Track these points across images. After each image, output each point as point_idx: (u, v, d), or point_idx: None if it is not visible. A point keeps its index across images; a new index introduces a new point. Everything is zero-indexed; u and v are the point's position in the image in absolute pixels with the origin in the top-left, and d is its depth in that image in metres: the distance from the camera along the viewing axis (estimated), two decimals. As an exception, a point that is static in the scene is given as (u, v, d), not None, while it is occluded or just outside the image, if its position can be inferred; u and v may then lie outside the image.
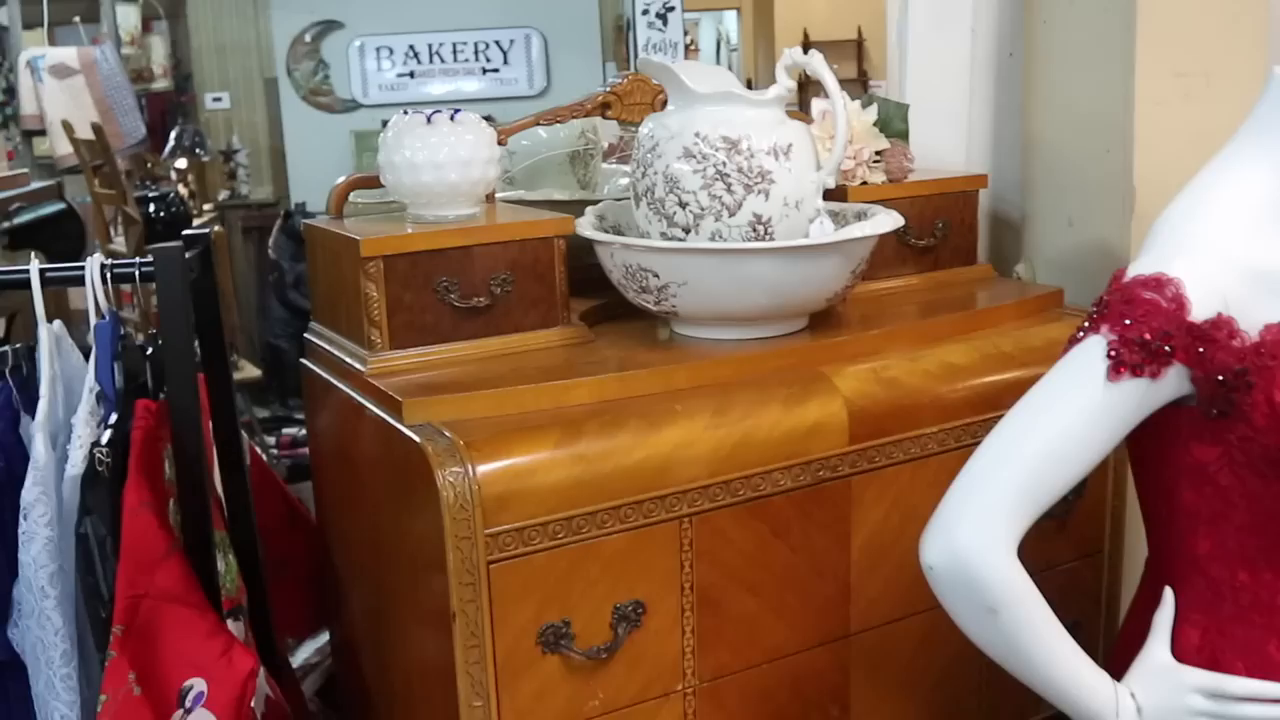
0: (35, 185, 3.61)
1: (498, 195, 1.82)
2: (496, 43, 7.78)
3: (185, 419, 1.47)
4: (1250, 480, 1.15)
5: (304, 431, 4.66)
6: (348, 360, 1.53)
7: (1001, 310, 1.76)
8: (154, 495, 1.36)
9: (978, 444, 1.60)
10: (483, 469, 1.29)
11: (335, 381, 1.57)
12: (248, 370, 4.51)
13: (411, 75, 7.74)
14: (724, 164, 1.51)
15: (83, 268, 1.49)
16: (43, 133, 5.47)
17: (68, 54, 5.60)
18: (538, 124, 1.79)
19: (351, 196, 1.73)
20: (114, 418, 1.42)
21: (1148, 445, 1.23)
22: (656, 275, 1.51)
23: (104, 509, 1.34)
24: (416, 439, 1.32)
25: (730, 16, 11.02)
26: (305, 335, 1.70)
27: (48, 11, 5.79)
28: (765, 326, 1.58)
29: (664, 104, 1.84)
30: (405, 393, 1.39)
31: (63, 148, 5.06)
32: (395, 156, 1.53)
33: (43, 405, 1.41)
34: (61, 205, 3.65)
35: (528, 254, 1.55)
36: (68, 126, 4.41)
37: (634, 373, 1.46)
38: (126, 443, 1.40)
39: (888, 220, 1.59)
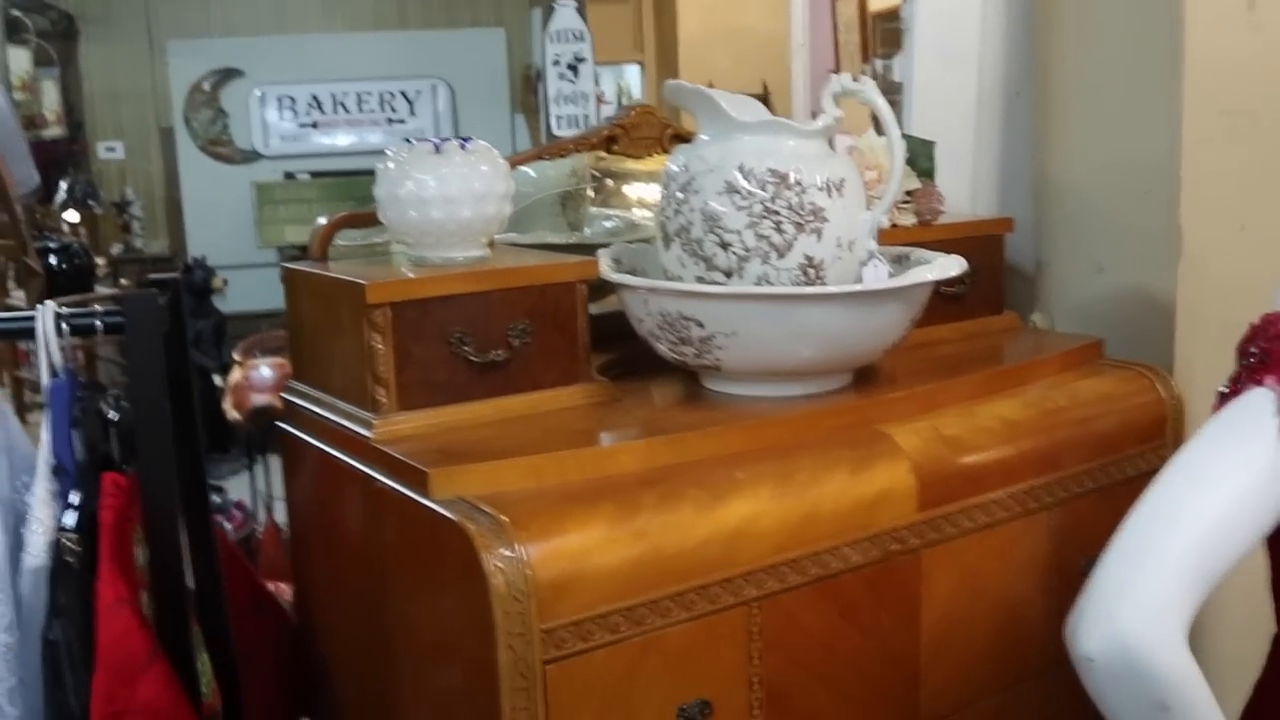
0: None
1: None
2: (402, 93, 7.60)
3: (161, 496, 1.25)
4: None
5: (217, 500, 4.35)
6: (345, 424, 1.33)
7: (1047, 363, 1.63)
8: (129, 589, 1.14)
9: (1043, 510, 1.49)
10: (535, 551, 1.10)
11: (327, 449, 1.36)
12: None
13: (314, 125, 7.52)
14: (772, 200, 1.35)
15: (32, 318, 1.27)
16: (-78, 182, 5.11)
17: (-47, 98, 5.26)
18: (541, 157, 1.62)
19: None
20: (77, 496, 1.20)
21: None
22: (701, 324, 1.34)
23: (73, 608, 1.11)
24: (452, 516, 1.13)
25: (632, 70, 11.00)
26: (283, 395, 1.49)
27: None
28: (813, 382, 1.42)
29: (673, 139, 1.69)
30: (427, 461, 1.20)
31: (-55, 198, 4.72)
32: (400, 189, 1.35)
33: (-13, 484, 1.19)
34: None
35: (548, 301, 1.37)
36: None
37: (685, 435, 1.28)
38: (93, 525, 1.18)
39: (952, 264, 1.45)
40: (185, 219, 7.11)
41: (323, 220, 1.49)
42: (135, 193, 7.07)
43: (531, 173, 1.81)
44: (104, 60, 7.16)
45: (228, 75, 7.31)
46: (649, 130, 1.66)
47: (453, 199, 1.34)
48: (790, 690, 1.26)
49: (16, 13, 5.94)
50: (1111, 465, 1.53)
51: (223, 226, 6.99)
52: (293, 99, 7.44)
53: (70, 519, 1.16)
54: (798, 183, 1.36)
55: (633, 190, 2.05)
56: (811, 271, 1.37)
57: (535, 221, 1.81)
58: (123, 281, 5.09)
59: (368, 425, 1.29)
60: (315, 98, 7.44)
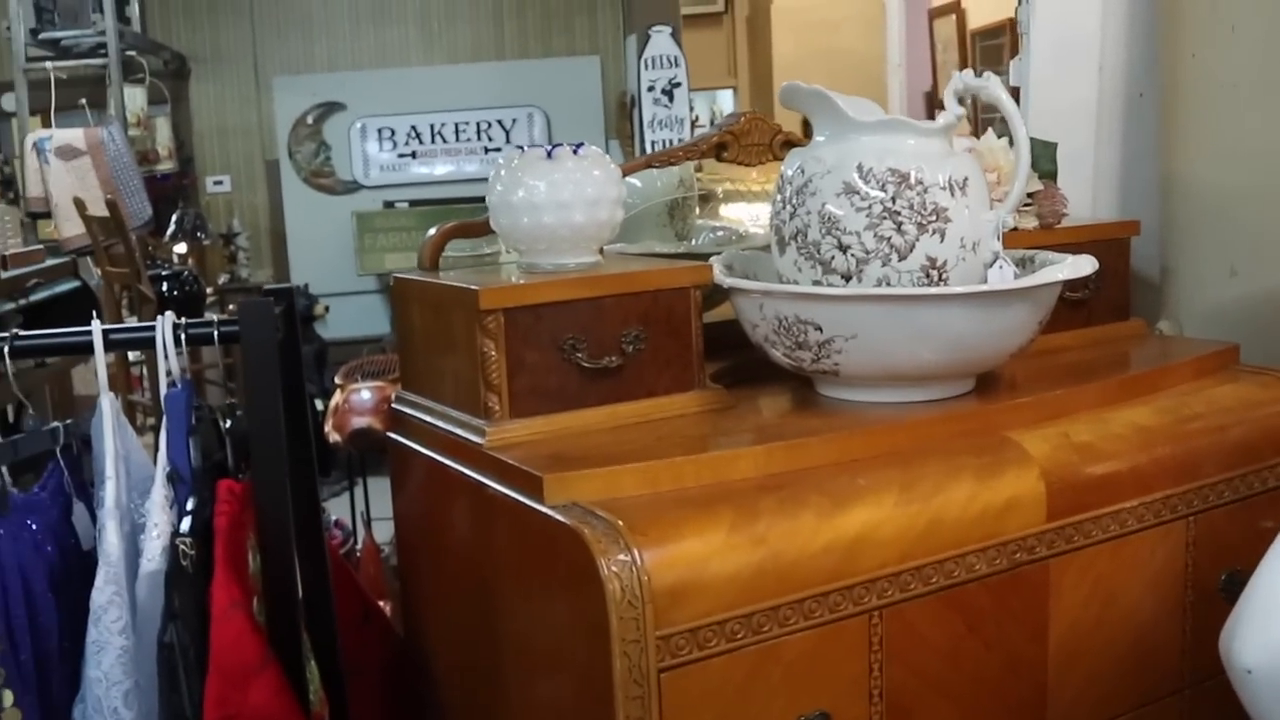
0: (50, 262, 3.41)
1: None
2: (499, 122, 7.67)
3: (274, 503, 1.24)
4: None
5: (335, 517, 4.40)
6: (458, 432, 1.31)
7: (1180, 368, 1.55)
8: (243, 594, 1.14)
9: (1178, 520, 1.42)
10: (651, 556, 1.07)
11: (439, 457, 1.35)
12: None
13: (413, 155, 7.62)
14: (892, 201, 1.31)
15: (152, 328, 1.28)
16: (48, 215, 5.29)
17: (74, 135, 5.43)
18: (650, 166, 1.59)
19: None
20: (192, 502, 1.20)
21: None
22: (819, 328, 1.30)
23: (188, 611, 1.11)
24: (566, 521, 1.10)
25: (726, 95, 11.02)
26: (393, 406, 1.49)
27: (55, 96, 5.62)
28: (935, 386, 1.38)
29: (784, 145, 1.66)
30: (540, 467, 1.17)
31: (69, 229, 4.87)
32: (513, 196, 1.33)
33: (110, 488, 1.19)
34: (76, 283, 3.44)
35: (661, 307, 1.34)
36: (80, 204, 4.22)
37: (805, 441, 1.24)
38: (208, 531, 1.17)
39: (1084, 264, 1.39)
40: (289, 248, 7.25)
41: (433, 231, 1.48)
42: (241, 224, 7.22)
43: (638, 183, 1.79)
44: (213, 97, 7.35)
45: (330, 109, 7.45)
46: (759, 136, 1.63)
47: (565, 204, 1.32)
48: (912, 703, 1.21)
49: (132, 53, 6.12)
50: (1252, 475, 1.45)
51: (324, 255, 7.12)
52: (392, 130, 7.55)
53: (186, 524, 1.16)
54: (919, 182, 1.32)
55: (740, 200, 2.03)
56: (934, 273, 1.33)
57: (642, 231, 1.79)
58: (230, 309, 5.19)
59: (480, 432, 1.27)
60: (414, 128, 7.55)
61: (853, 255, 1.32)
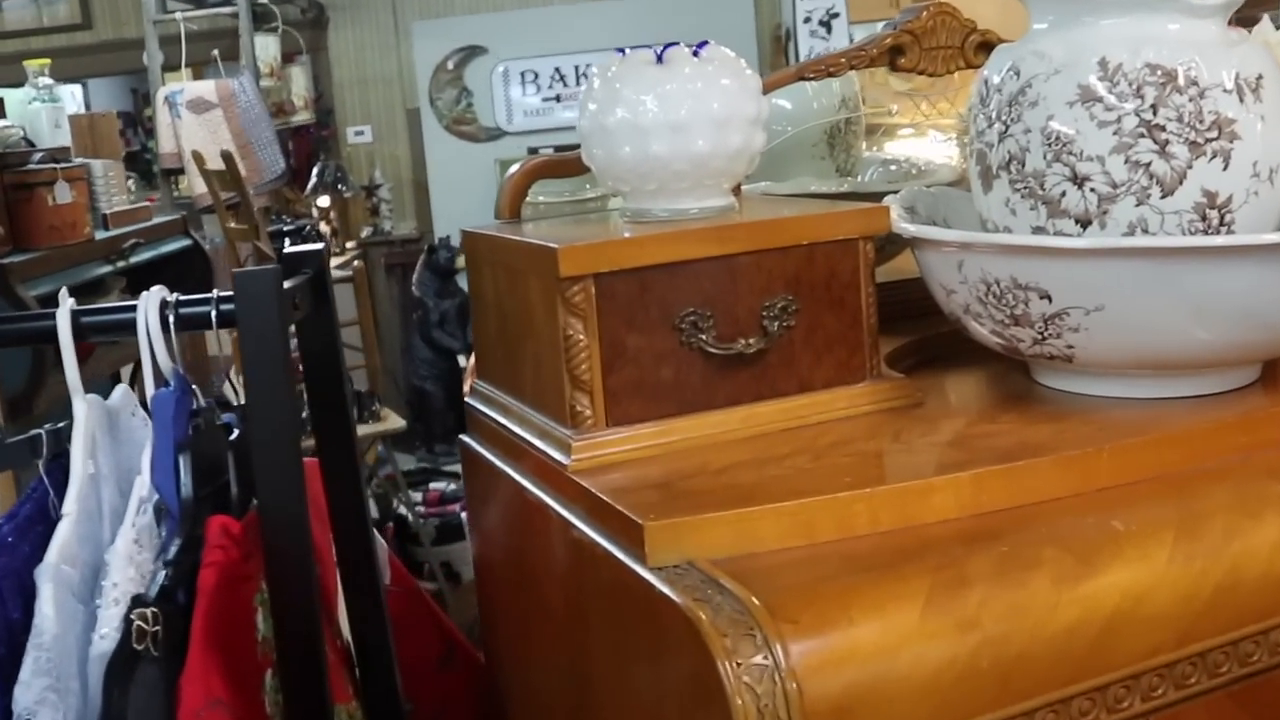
0: (157, 220, 3.18)
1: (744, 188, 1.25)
2: (647, 62, 7.28)
3: (286, 540, 0.92)
4: None
5: (452, 486, 4.11)
6: (538, 445, 0.96)
7: None
8: (230, 685, 0.81)
9: None
10: (804, 653, 0.70)
11: (516, 475, 1.00)
12: (391, 420, 4.02)
13: (558, 99, 7.30)
14: (1152, 111, 0.90)
15: (134, 308, 0.96)
16: (182, 171, 5.14)
17: (205, 87, 5.26)
18: (803, 78, 1.20)
19: (532, 194, 1.17)
20: (175, 547, 0.88)
21: None
22: (1047, 296, 0.91)
23: (150, 712, 0.79)
24: (675, 597, 0.74)
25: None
26: (466, 400, 1.14)
27: (185, 50, 5.46)
28: (1209, 378, 0.97)
29: (979, 47, 1.25)
30: (643, 506, 0.81)
31: (202, 185, 4.70)
32: (609, 117, 0.96)
33: (63, 530, 0.87)
34: (186, 241, 3.21)
35: (820, 267, 0.96)
36: (198, 158, 4.01)
37: (1031, 464, 0.85)
38: (193, 590, 0.85)
39: None
40: (431, 199, 7.04)
41: (515, 169, 1.13)
42: (383, 175, 7.04)
43: (787, 103, 1.41)
44: (352, 46, 7.16)
45: (471, 53, 7.19)
46: (947, 35, 1.22)
47: (681, 126, 0.94)
48: None
49: (265, 2, 5.93)
50: None
51: (468, 206, 6.86)
52: (535, 73, 7.25)
53: (159, 581, 0.83)
54: (1192, 83, 0.91)
55: (916, 136, 1.63)
56: (1214, 214, 0.92)
57: (792, 166, 1.40)
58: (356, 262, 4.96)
59: (564, 448, 0.92)
60: (558, 70, 7.23)
61: (1093, 190, 0.92)
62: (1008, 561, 0.77)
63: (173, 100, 5.06)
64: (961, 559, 0.77)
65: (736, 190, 1.11)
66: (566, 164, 1.10)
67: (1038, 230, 0.96)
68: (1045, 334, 0.93)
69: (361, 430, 3.85)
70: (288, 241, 3.84)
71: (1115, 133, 0.91)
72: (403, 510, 4.18)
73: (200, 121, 5.10)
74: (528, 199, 1.20)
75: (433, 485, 4.60)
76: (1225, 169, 0.91)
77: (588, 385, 0.91)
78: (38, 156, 2.57)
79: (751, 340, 0.94)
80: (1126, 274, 0.88)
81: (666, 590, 0.75)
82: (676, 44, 0.98)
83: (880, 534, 0.81)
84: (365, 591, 1.12)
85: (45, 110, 3.32)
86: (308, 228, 3.92)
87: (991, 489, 0.83)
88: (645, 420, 0.93)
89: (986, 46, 1.23)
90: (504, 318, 1.04)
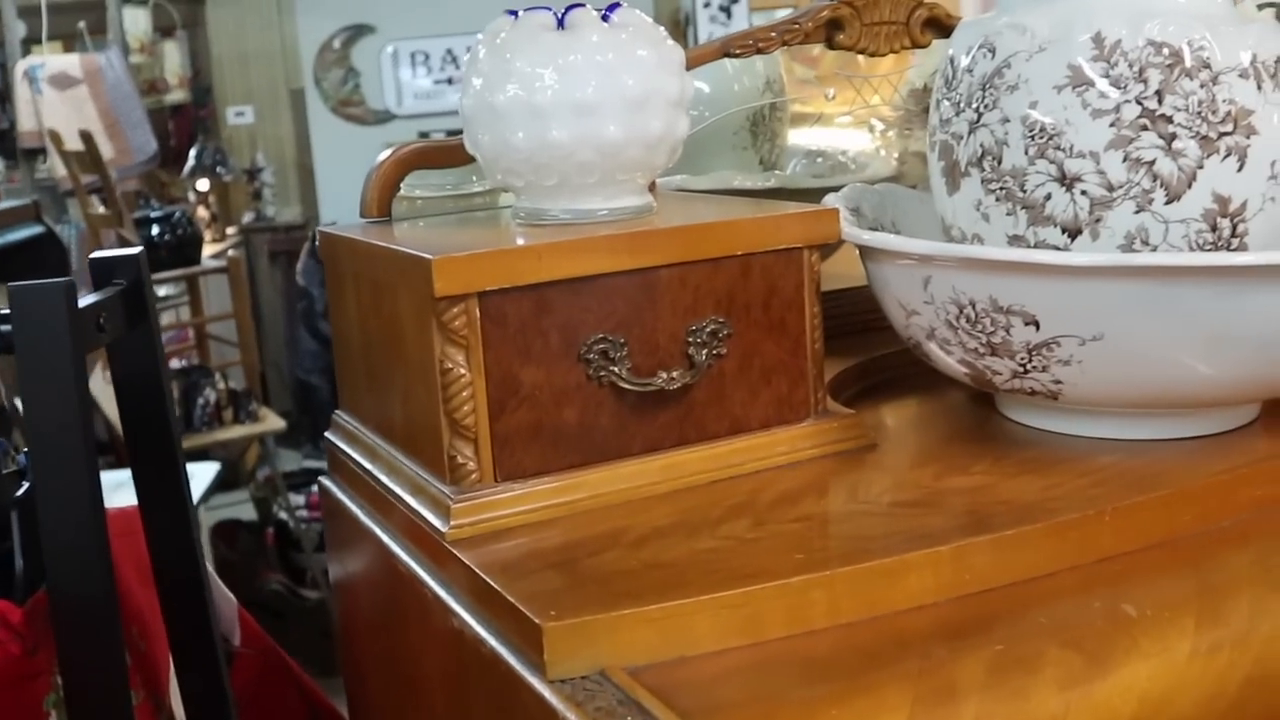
0: (2, 205, 2.90)
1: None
2: (542, 44, 7.06)
3: (87, 629, 0.72)
4: None
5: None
6: (408, 500, 0.78)
7: None
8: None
9: None
10: (756, 815, 0.53)
11: (384, 535, 0.81)
12: (270, 421, 3.77)
13: (450, 82, 7.05)
14: (1156, 98, 0.75)
15: None
16: (44, 151, 4.79)
17: (69, 62, 4.92)
18: (727, 54, 1.03)
19: (406, 187, 0.98)
20: (-75, 647, 0.67)
21: None
22: (1034, 322, 0.75)
23: None
24: (584, 729, 0.56)
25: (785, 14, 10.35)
26: (325, 436, 0.95)
27: (47, 23, 5.09)
28: (1209, 417, 0.82)
29: (926, 25, 1.09)
30: (542, 599, 0.63)
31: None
32: (496, 95, 0.78)
33: None
34: (38, 228, 2.92)
35: (755, 282, 0.79)
36: (55, 137, 3.71)
37: (1021, 532, 0.68)
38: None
39: None
40: (317, 184, 6.74)
41: (384, 156, 0.93)
42: (266, 158, 6.72)
43: (705, 86, 1.24)
44: (232, 21, 6.80)
45: (359, 32, 6.90)
46: (891, 10, 1.06)
47: (588, 107, 0.76)
48: None
49: (136, -27, 5.59)
50: None
51: (356, 191, 6.60)
52: (426, 54, 6.99)
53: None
54: (1204, 65, 0.75)
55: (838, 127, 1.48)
56: (1225, 224, 0.76)
57: (711, 157, 1.23)
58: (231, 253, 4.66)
59: (441, 509, 0.73)
60: (450, 52, 6.97)
61: (1084, 193, 0.76)
62: (1003, 664, 0.61)
63: (33, 75, 4.72)
64: (947, 662, 0.61)
65: (652, 186, 0.94)
66: (447, 152, 0.91)
67: (1015, 240, 0.80)
68: (1028, 366, 0.77)
69: (239, 431, 3.60)
70: (155, 229, 3.57)
71: (1113, 124, 0.76)
72: (283, 515, 3.93)
73: (64, 98, 4.76)
74: (402, 193, 1.01)
75: (316, 487, 4.36)
76: (1240, 169, 0.76)
77: (471, 431, 0.73)
78: None
79: (675, 373, 0.76)
80: (1135, 297, 0.72)
81: (571, 716, 0.57)
82: (582, 4, 0.79)
83: (843, 627, 0.64)
84: (201, 661, 0.92)
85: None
86: (177, 214, 3.64)
87: (976, 566, 0.67)
88: (544, 474, 0.75)
89: (934, 23, 1.07)
90: (369, 341, 0.85)
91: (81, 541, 0.71)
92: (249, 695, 1.08)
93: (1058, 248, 0.78)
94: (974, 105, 0.81)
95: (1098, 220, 0.77)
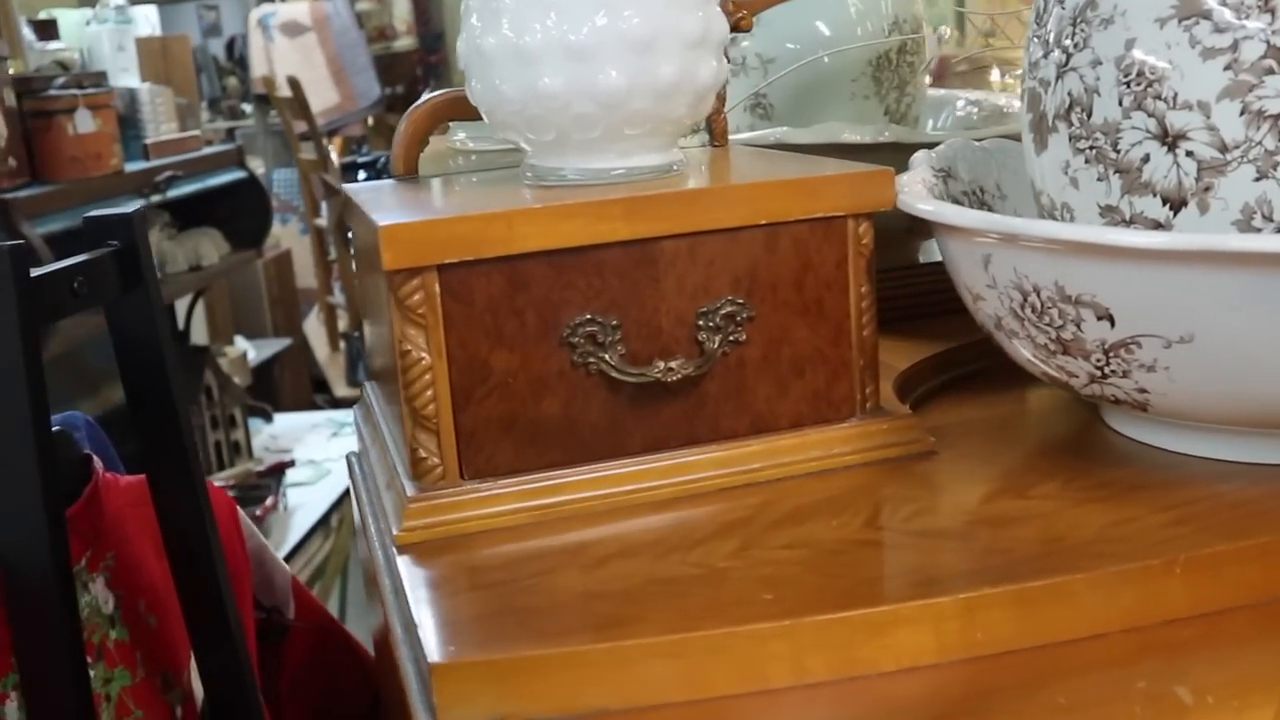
0: (209, 150, 2.98)
1: (740, 136, 0.96)
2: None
3: (33, 616, 0.67)
4: None
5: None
6: (381, 490, 0.70)
7: None
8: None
9: None
10: None
11: (365, 530, 0.74)
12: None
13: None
14: (1274, 34, 0.59)
15: None
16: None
17: (299, 9, 5.09)
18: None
19: (455, 136, 0.90)
20: None
21: None
22: (1109, 317, 0.60)
23: None
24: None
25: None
26: (354, 408, 0.89)
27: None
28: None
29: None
30: (448, 628, 0.54)
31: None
32: (486, 38, 0.68)
33: None
34: (240, 173, 3.01)
35: (784, 257, 0.67)
36: (269, 84, 3.82)
37: (1051, 584, 0.55)
38: None
39: None
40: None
41: (419, 103, 0.85)
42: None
43: (825, 29, 1.11)
44: (464, -33, 6.91)
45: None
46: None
47: (583, 51, 0.66)
48: None
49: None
50: None
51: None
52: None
53: None
54: (1357, -13, 0.58)
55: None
56: (1380, 194, 0.60)
57: (825, 108, 1.10)
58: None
59: (399, 507, 0.65)
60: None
61: (1190, 155, 0.61)
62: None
63: (266, 23, 4.90)
64: (931, 748, 0.49)
65: (723, 132, 0.82)
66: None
67: (1108, 211, 0.65)
68: (1106, 370, 0.62)
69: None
70: (362, 174, 3.63)
71: (1229, 66, 0.60)
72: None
73: (294, 45, 4.93)
74: (458, 145, 0.94)
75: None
76: (1403, 124, 0.59)
77: (432, 422, 0.64)
78: (60, 81, 2.38)
79: (676, 362, 0.65)
80: (1233, 289, 0.56)
81: (443, 780, 0.48)
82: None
83: (809, 688, 0.52)
84: (215, 638, 0.87)
85: (106, 32, 3.15)
86: (383, 159, 3.69)
87: (991, 623, 0.53)
88: (520, 473, 0.65)
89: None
90: (364, 309, 0.77)
91: (28, 524, 0.67)
92: (304, 671, 1.04)
93: (1158, 222, 0.63)
94: (1063, 45, 0.66)
95: (1207, 189, 0.61)
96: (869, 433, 0.70)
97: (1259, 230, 0.61)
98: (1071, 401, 0.77)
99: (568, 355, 0.65)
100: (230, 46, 5.92)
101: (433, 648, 0.52)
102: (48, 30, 2.92)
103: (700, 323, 0.66)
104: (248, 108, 5.31)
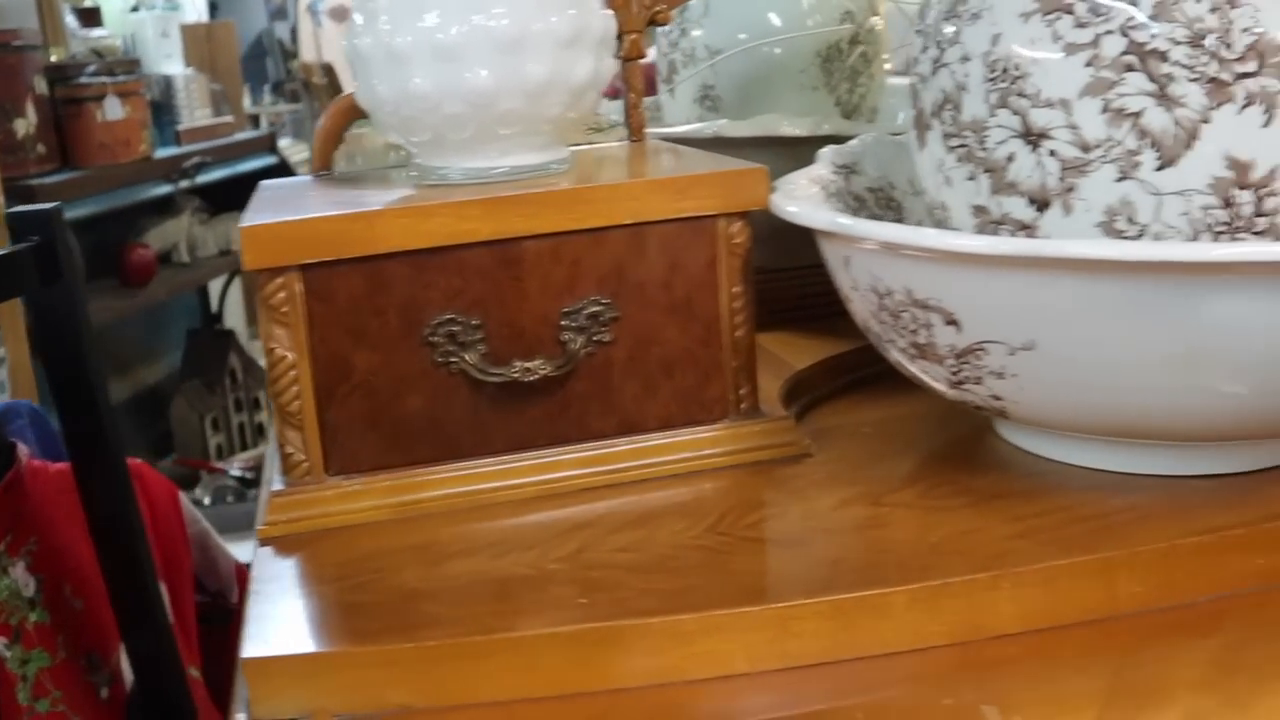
0: (240, 136, 3.03)
1: (678, 129, 0.96)
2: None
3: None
4: None
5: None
6: (264, 490, 0.71)
7: None
8: None
9: None
10: None
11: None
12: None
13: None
14: (1150, 26, 0.57)
15: None
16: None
17: (349, -7, 5.13)
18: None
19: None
20: None
21: None
22: (955, 322, 0.59)
23: None
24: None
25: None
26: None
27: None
28: (1218, 454, 0.63)
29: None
30: (271, 621, 0.55)
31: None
32: (362, 37, 0.69)
33: None
34: (271, 158, 3.06)
35: (651, 257, 0.67)
36: (308, 70, 3.87)
37: (871, 594, 0.54)
38: None
39: None
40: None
41: (332, 105, 0.86)
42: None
43: (776, 19, 1.10)
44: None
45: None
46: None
47: (451, 51, 0.66)
48: None
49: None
50: None
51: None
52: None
53: None
54: (1217, -18, 0.57)
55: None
56: (1243, 197, 0.58)
57: (771, 99, 1.09)
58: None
59: (266, 501, 0.66)
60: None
61: (1053, 154, 0.59)
62: (789, 768, 0.48)
63: (314, 8, 4.95)
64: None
65: (639, 133, 0.82)
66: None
67: (979, 211, 0.64)
68: (960, 375, 0.61)
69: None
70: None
71: (1090, 62, 0.58)
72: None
73: (341, 30, 4.97)
74: (392, 144, 0.94)
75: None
76: (1266, 124, 0.57)
77: (298, 419, 0.65)
78: (91, 69, 2.43)
79: (535, 362, 0.65)
80: (1067, 296, 0.55)
81: (230, 781, 0.49)
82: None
83: (612, 693, 0.52)
84: (138, 618, 0.89)
85: (151, 19, 3.20)
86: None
87: (806, 634, 0.53)
88: (385, 469, 0.66)
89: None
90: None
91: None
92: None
93: (1023, 222, 0.62)
94: (937, 41, 0.65)
95: (1069, 189, 0.60)
96: (740, 435, 0.69)
97: (1121, 233, 0.59)
98: (917, 396, 0.75)
99: (429, 354, 0.65)
100: (294, 30, 5.99)
101: (251, 642, 0.53)
102: (91, 18, 2.98)
103: (564, 323, 0.66)
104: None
